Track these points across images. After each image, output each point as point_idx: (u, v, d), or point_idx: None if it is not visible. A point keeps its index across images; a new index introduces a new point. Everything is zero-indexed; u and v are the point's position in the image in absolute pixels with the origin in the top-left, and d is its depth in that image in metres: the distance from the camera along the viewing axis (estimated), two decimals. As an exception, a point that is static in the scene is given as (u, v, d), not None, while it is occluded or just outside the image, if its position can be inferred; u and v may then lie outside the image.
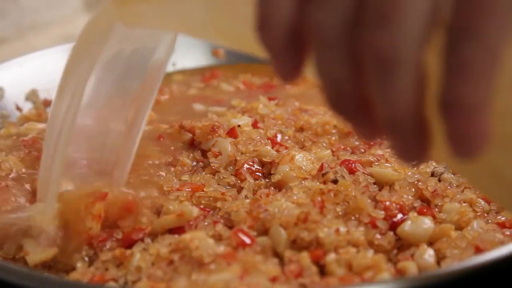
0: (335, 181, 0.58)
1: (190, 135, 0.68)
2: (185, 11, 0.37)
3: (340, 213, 0.54)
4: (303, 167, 0.62)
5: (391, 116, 0.34)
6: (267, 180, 0.61)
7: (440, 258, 0.51)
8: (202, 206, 0.57)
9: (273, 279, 0.47)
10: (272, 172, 0.62)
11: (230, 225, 0.54)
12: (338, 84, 0.35)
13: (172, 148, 0.66)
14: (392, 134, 0.35)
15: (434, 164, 0.61)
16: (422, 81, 0.34)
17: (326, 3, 0.34)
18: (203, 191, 0.58)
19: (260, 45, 0.35)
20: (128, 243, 0.52)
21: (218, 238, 0.52)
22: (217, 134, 0.66)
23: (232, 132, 0.67)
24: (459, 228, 0.54)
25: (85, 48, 0.44)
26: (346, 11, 0.34)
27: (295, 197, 0.55)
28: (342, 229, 0.52)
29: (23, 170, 0.64)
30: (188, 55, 0.97)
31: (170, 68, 0.95)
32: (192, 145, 0.67)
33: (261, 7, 0.35)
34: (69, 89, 0.45)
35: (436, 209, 0.56)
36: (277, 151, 0.65)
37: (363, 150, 0.66)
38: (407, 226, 0.52)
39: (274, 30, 0.35)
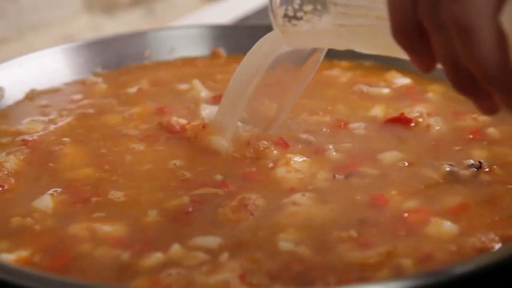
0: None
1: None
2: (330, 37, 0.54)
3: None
4: (300, 169, 0.62)
5: (485, 76, 0.41)
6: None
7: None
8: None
9: (273, 277, 0.47)
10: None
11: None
12: (454, 61, 0.42)
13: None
14: (494, 91, 0.42)
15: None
16: (503, 40, 0.40)
17: None
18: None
19: (400, 47, 0.45)
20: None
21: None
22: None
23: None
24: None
25: (255, 60, 0.61)
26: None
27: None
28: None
29: (24, 170, 0.64)
30: (189, 53, 0.97)
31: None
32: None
33: (393, 19, 0.44)
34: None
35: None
36: (277, 150, 0.65)
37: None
38: None
39: (404, 31, 0.44)
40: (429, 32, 0.43)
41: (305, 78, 0.62)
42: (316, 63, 0.61)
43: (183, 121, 0.71)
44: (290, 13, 0.55)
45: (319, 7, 0.53)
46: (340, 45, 0.57)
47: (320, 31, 0.54)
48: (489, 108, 0.45)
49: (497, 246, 0.51)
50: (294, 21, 0.55)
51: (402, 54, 0.46)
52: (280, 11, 0.55)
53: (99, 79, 0.89)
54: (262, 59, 0.60)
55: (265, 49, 0.60)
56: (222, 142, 0.65)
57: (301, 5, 0.54)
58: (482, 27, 0.40)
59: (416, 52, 0.45)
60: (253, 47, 0.62)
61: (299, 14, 0.54)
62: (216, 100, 0.78)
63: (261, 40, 0.61)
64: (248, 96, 0.62)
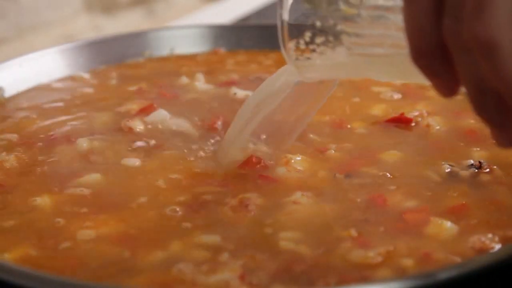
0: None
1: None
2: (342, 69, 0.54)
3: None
4: (301, 169, 0.62)
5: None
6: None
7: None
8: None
9: (273, 277, 0.47)
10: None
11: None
12: (479, 83, 0.40)
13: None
14: None
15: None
16: None
17: (453, 13, 0.40)
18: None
19: (421, 73, 0.43)
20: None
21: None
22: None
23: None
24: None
25: (268, 94, 0.59)
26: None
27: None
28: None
29: (24, 169, 0.64)
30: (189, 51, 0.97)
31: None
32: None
33: (412, 44, 0.42)
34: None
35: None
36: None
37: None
38: None
39: (425, 55, 0.42)
40: (453, 53, 0.41)
41: (326, 93, 0.60)
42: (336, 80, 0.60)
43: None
44: (302, 46, 0.53)
45: (331, 38, 0.51)
46: (357, 75, 0.56)
47: (335, 63, 0.53)
48: (510, 139, 0.43)
49: (497, 246, 0.51)
50: (307, 54, 0.53)
51: (422, 80, 0.44)
52: (292, 45, 0.54)
53: (96, 76, 0.89)
54: (276, 93, 0.59)
55: (279, 84, 0.59)
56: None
57: (312, 38, 0.52)
58: (506, 42, 0.38)
59: (439, 77, 0.43)
60: (267, 80, 0.60)
61: (311, 46, 0.53)
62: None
63: (275, 73, 0.59)
64: (255, 125, 0.61)
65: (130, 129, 0.70)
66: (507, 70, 0.38)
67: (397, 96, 0.80)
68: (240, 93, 0.80)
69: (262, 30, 1.00)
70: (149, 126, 0.71)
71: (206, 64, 0.94)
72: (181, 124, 0.71)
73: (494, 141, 0.45)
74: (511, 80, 0.38)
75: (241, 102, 0.69)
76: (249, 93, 0.79)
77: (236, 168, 0.62)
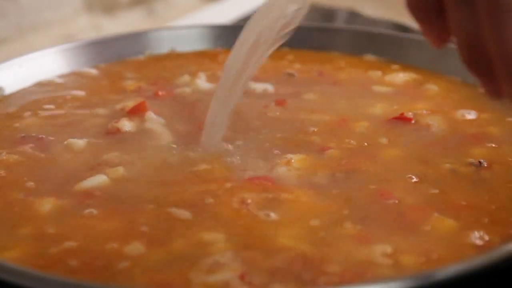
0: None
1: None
2: None
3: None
4: (301, 167, 0.62)
5: (508, 61, 0.38)
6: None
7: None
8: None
9: (273, 276, 0.47)
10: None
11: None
12: (470, 38, 0.40)
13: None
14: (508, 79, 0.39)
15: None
16: None
17: None
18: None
19: (412, 18, 0.44)
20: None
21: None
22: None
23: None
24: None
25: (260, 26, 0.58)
26: None
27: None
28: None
29: (26, 169, 0.64)
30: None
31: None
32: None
33: None
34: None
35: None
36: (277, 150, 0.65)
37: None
38: None
39: (420, 4, 0.42)
40: (448, 6, 0.41)
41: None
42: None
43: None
44: None
45: None
46: None
47: None
48: (497, 91, 0.43)
49: (497, 245, 0.51)
50: None
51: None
52: None
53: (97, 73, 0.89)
54: (273, 25, 0.57)
55: (275, 13, 0.57)
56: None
57: None
58: None
59: (432, 26, 0.43)
60: (256, 13, 0.56)
61: None
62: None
63: (264, 5, 0.56)
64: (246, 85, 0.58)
65: (118, 130, 0.70)
66: (510, 33, 0.37)
67: (397, 95, 0.80)
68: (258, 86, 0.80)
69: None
70: (141, 127, 0.71)
71: (212, 63, 0.94)
72: (169, 131, 0.71)
73: (485, 92, 0.44)
74: (510, 44, 0.38)
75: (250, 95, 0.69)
76: (267, 85, 0.80)
77: (237, 169, 0.62)
